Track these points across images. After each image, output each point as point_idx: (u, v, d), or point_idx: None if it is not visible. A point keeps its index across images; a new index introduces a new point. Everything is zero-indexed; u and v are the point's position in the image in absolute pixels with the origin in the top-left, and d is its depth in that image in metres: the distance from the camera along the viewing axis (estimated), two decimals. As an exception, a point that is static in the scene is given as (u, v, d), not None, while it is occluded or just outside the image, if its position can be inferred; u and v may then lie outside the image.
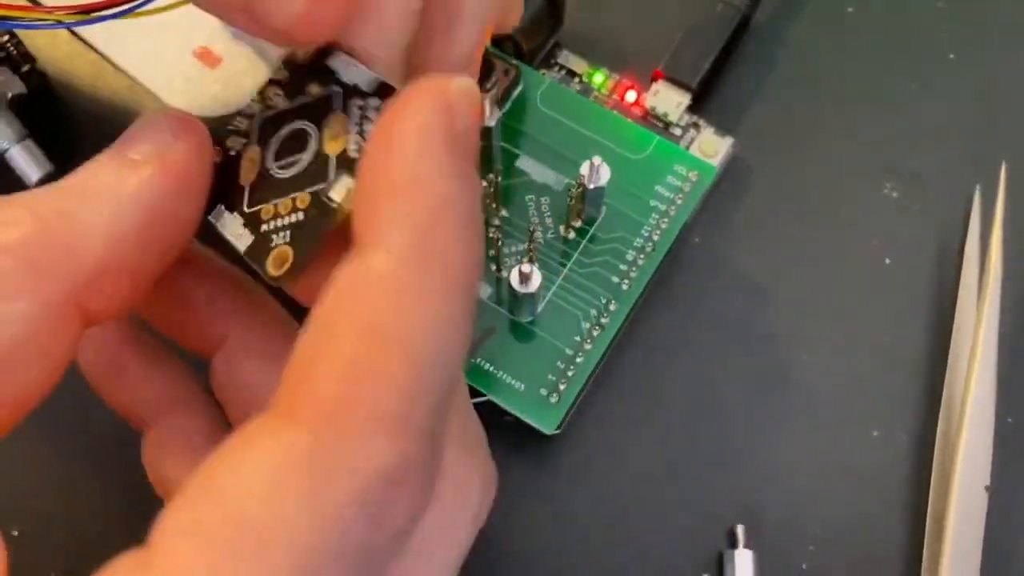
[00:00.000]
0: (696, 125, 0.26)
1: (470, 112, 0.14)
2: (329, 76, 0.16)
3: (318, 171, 0.16)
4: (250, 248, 0.16)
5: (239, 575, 0.11)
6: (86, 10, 0.17)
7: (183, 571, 0.12)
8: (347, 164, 0.15)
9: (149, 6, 0.17)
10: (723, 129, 0.26)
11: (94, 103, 0.27)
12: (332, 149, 0.16)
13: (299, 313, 0.15)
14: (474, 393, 0.22)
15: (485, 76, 0.23)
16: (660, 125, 0.26)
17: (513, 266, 0.20)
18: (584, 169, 0.22)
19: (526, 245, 0.20)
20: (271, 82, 0.17)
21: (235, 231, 0.16)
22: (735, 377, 0.24)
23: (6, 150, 0.25)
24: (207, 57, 0.27)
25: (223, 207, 0.16)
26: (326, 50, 0.16)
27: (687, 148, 0.26)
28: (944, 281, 0.25)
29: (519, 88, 0.24)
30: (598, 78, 0.27)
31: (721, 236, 0.26)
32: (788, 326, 0.25)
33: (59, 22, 0.19)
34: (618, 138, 0.24)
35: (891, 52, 0.28)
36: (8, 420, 0.14)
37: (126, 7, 0.18)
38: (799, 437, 0.24)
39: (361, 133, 0.16)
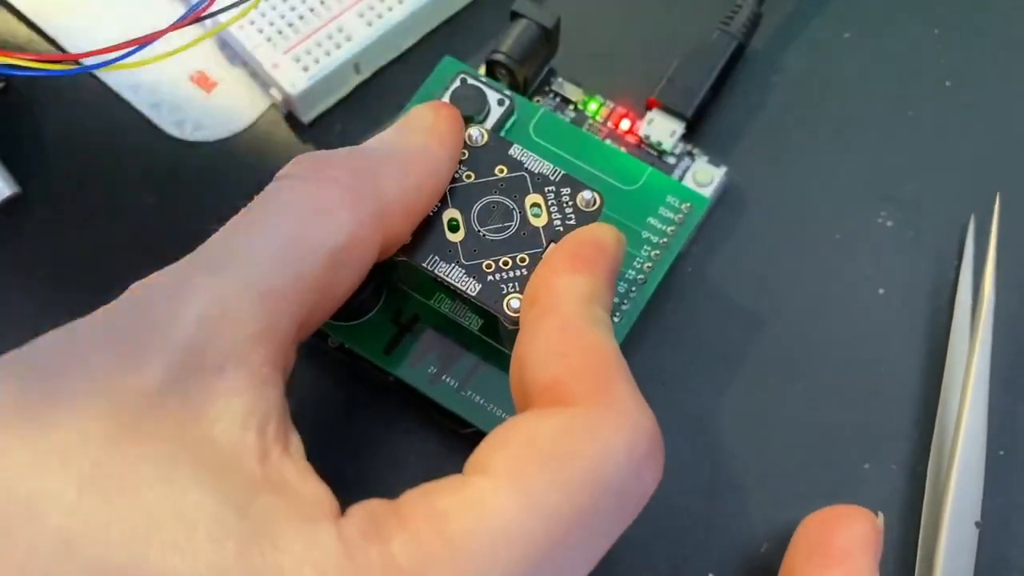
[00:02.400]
0: (690, 154, 0.26)
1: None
2: (509, 159, 0.21)
3: (529, 238, 0.21)
4: (481, 293, 0.20)
5: None
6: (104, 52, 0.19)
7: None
8: (554, 236, 0.20)
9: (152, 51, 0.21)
10: (718, 157, 0.26)
11: (64, 123, 0.27)
12: (538, 223, 0.21)
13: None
14: (464, 424, 0.22)
15: (478, 107, 0.23)
16: (654, 154, 0.26)
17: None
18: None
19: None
20: None
21: (459, 278, 0.20)
22: (727, 408, 0.24)
23: None
24: (204, 82, 0.28)
25: (438, 257, 0.20)
26: (503, 142, 0.21)
27: (681, 176, 0.26)
28: (938, 312, 0.25)
29: (513, 118, 0.24)
30: (592, 106, 0.27)
31: (714, 264, 0.26)
32: (781, 357, 0.25)
33: (78, 65, 0.19)
34: (611, 169, 0.24)
35: (887, 79, 0.28)
36: (323, 317, 0.19)
37: (134, 48, 0.19)
38: (791, 469, 0.24)
39: (560, 211, 0.21)
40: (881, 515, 0.21)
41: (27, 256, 0.25)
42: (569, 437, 0.15)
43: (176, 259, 0.17)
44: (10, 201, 0.25)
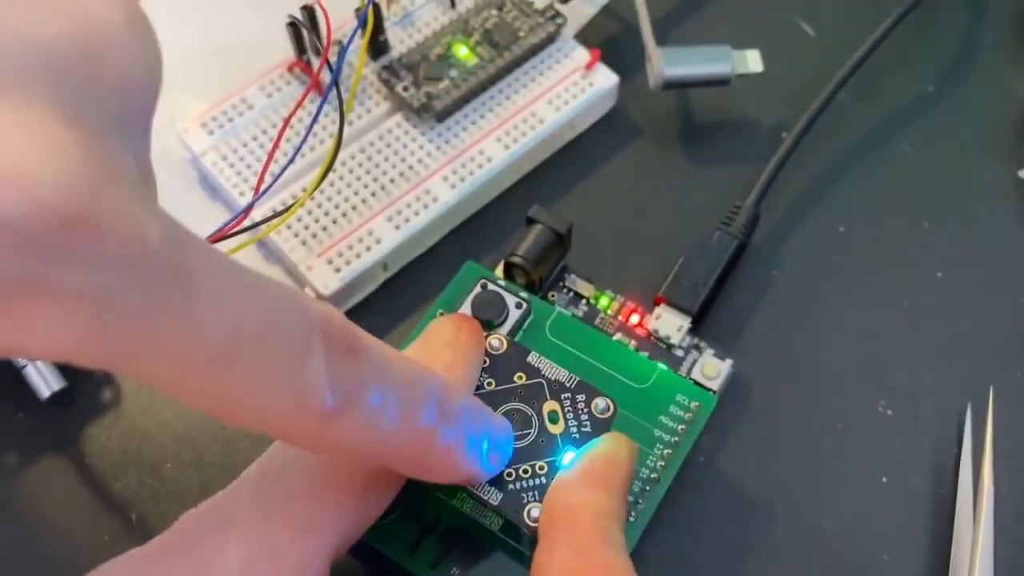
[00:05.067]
0: (698, 347, 0.28)
1: None
2: (528, 366, 0.23)
3: (547, 446, 0.22)
4: (503, 502, 0.21)
5: None
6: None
7: None
8: (572, 442, 0.22)
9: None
10: (723, 349, 0.28)
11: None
12: (555, 430, 0.22)
13: None
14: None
15: (498, 311, 0.25)
16: (663, 347, 0.28)
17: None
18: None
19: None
20: None
21: (481, 487, 0.21)
22: (740, 600, 0.25)
23: (23, 366, 0.27)
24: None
25: None
26: (522, 350, 0.23)
27: (689, 369, 0.27)
28: (941, 498, 0.26)
29: (530, 319, 0.26)
30: (604, 301, 0.28)
31: (724, 454, 0.27)
32: (790, 546, 0.25)
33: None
34: (622, 367, 0.25)
35: (881, 271, 0.30)
36: (356, 538, 0.20)
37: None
38: (804, 661, 0.24)
39: (576, 418, 0.22)
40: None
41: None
42: None
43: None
44: (57, 395, 0.27)
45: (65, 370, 0.27)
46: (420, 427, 0.18)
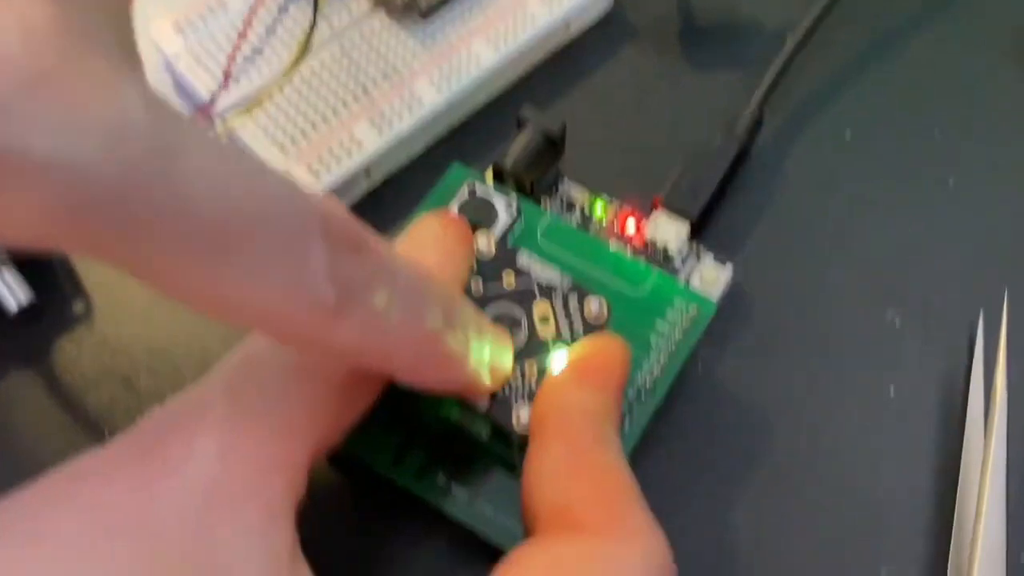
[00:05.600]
0: (696, 254, 0.26)
1: None
2: (517, 268, 0.21)
3: (537, 349, 0.21)
4: (491, 407, 0.20)
5: None
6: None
7: None
8: (563, 345, 0.20)
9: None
10: (723, 257, 0.26)
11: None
12: (546, 333, 0.21)
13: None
14: (469, 535, 0.22)
15: (486, 215, 0.24)
16: (660, 255, 0.26)
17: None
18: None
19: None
20: None
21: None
22: (739, 514, 0.24)
23: None
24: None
25: None
26: (511, 251, 0.22)
27: (688, 277, 0.26)
28: (950, 412, 0.25)
29: (521, 224, 0.25)
30: (599, 207, 0.27)
31: (722, 365, 0.26)
32: (792, 460, 0.24)
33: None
34: (618, 273, 0.24)
35: (889, 178, 0.28)
36: (337, 440, 0.19)
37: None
38: (805, 575, 0.23)
39: (568, 321, 0.21)
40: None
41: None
42: (582, 571, 0.15)
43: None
44: (25, 310, 0.26)
45: (34, 283, 0.26)
46: (424, 332, 0.17)
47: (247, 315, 0.14)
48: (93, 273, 0.27)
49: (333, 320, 0.15)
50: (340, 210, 0.15)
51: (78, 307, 0.27)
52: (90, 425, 0.25)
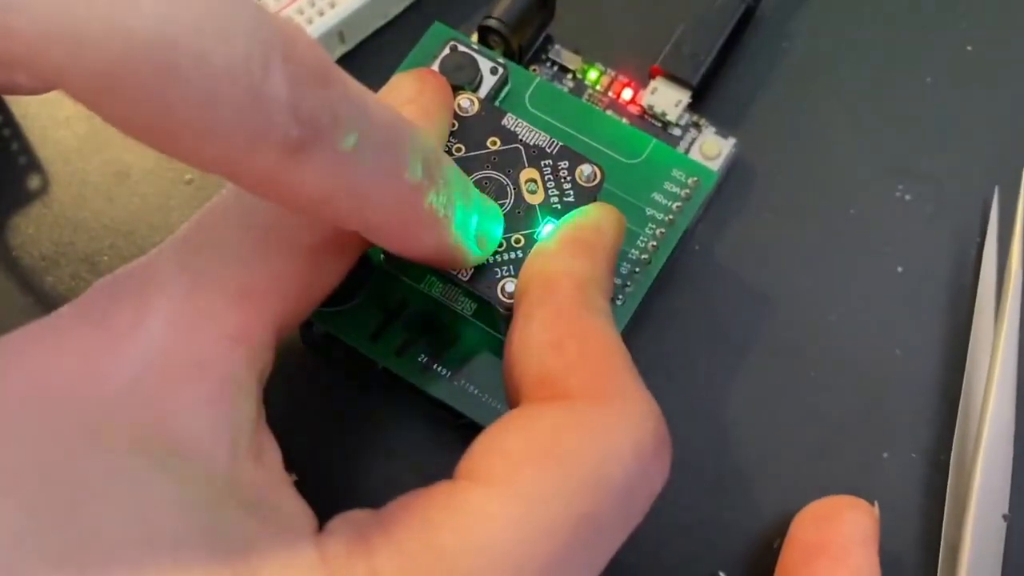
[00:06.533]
0: (697, 125, 0.25)
1: None
2: (503, 129, 0.20)
3: (524, 217, 0.19)
4: (474, 279, 0.19)
5: None
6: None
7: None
8: (551, 214, 0.19)
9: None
10: (725, 128, 0.25)
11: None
12: (533, 200, 0.19)
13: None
14: (457, 415, 0.21)
15: (470, 76, 0.22)
16: (658, 125, 0.25)
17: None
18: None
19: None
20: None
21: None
22: (737, 396, 0.23)
23: None
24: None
25: None
26: (496, 111, 0.20)
27: (687, 149, 0.24)
28: (960, 290, 0.24)
29: (507, 88, 0.23)
30: (592, 74, 0.25)
31: (722, 243, 0.24)
32: (794, 341, 0.23)
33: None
34: (612, 141, 0.22)
35: (904, 44, 0.26)
36: (305, 314, 0.17)
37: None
38: (805, 459, 0.22)
39: (557, 187, 0.19)
40: (876, 504, 0.20)
41: None
42: (569, 437, 0.14)
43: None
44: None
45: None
46: (402, 183, 0.15)
47: (199, 149, 0.13)
48: (49, 145, 0.25)
49: (295, 155, 0.13)
50: (305, 36, 0.13)
51: (34, 182, 0.25)
52: (50, 306, 0.24)
